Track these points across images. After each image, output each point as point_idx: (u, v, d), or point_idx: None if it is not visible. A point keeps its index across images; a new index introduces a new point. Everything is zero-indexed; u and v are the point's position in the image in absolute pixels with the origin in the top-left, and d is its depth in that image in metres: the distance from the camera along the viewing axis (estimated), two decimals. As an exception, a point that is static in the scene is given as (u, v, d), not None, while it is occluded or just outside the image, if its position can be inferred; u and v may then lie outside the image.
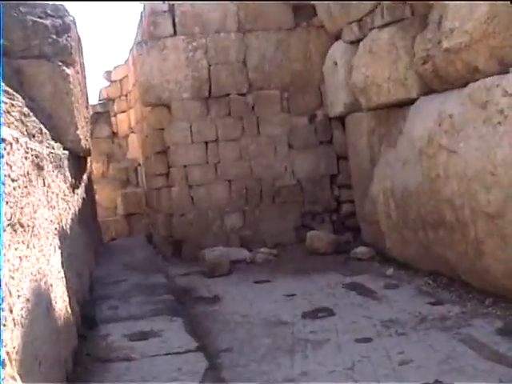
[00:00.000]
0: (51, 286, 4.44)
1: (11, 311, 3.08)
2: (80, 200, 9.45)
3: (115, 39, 44.06)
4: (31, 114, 6.80)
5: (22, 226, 3.65)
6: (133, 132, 14.75)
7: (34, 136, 6.20)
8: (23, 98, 7.58)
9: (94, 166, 15.03)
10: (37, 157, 4.76)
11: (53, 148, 6.68)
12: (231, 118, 9.63)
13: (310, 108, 9.91)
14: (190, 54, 9.48)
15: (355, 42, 8.49)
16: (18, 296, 3.28)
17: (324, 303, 6.32)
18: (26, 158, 4.12)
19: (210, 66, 9.57)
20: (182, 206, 9.50)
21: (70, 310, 5.15)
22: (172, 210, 9.55)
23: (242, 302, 6.74)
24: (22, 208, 3.70)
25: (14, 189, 3.55)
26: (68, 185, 7.15)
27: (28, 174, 4.14)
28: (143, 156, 12.19)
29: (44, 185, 4.99)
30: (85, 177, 10.83)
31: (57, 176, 6.14)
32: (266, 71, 9.74)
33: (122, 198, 14.17)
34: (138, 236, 13.33)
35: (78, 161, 9.40)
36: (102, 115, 15.94)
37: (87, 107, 11.63)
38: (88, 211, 10.62)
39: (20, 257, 3.50)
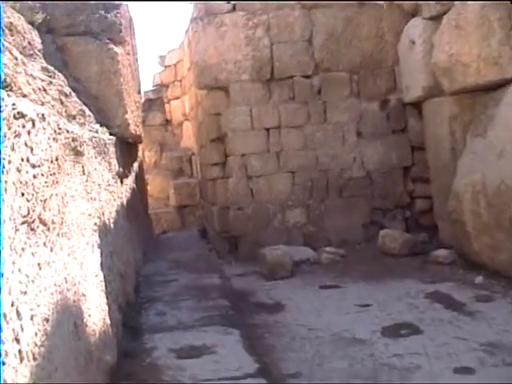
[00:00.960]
0: (83, 295, 3.64)
1: (17, 341, 2.26)
2: (129, 190, 8.75)
3: (170, 22, 43.21)
4: (73, 94, 6.06)
5: (43, 223, 2.86)
6: (187, 119, 14.12)
7: (74, 118, 5.45)
8: (66, 78, 6.91)
9: (146, 154, 14.61)
10: (74, 140, 4.08)
11: (96, 132, 5.92)
12: (295, 102, 8.72)
13: (382, 92, 8.92)
14: (250, 32, 8.60)
15: (436, 18, 7.51)
16: (32, 317, 2.48)
17: (406, 317, 5.37)
18: (55, 139, 3.30)
19: (271, 44, 8.68)
20: (240, 199, 8.64)
21: (108, 321, 4.39)
22: (228, 203, 8.70)
23: (308, 312, 5.85)
24: (44, 201, 2.90)
25: (35, 176, 2.76)
26: (113, 173, 6.39)
27: (57, 159, 3.31)
28: (198, 144, 11.42)
29: (83, 173, 4.32)
30: (135, 165, 10.13)
31: (100, 163, 5.41)
32: (334, 51, 8.78)
33: (175, 189, 13.43)
34: (191, 230, 12.58)
35: (126, 148, 8.70)
36: (155, 102, 15.33)
37: (139, 92, 10.92)
38: (138, 203, 9.90)
39: (39, 264, 2.73)
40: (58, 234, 3.12)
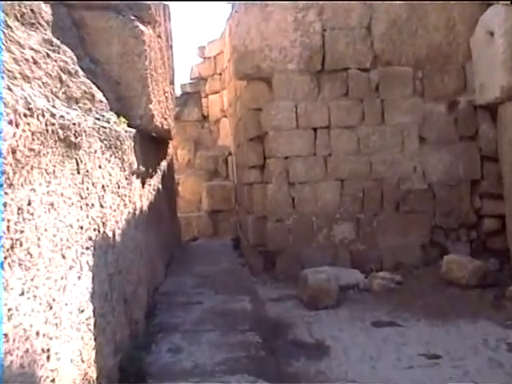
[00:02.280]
0: (45, 351, 2.49)
1: None
2: (152, 192, 7.65)
3: (212, 10, 41.88)
4: (81, 73, 4.91)
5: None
6: (225, 116, 13.15)
7: (77, 101, 4.32)
8: (81, 58, 5.87)
9: (179, 152, 13.59)
10: (64, 128, 3.20)
11: (107, 121, 4.77)
12: (348, 99, 7.49)
13: (451, 92, 7.63)
14: (300, 15, 7.41)
15: (521, 5, 6.24)
16: None
17: (488, 380, 4.10)
18: (17, 124, 2.23)
19: (324, 30, 7.47)
20: (280, 209, 7.44)
21: (93, 374, 3.23)
22: (266, 213, 7.50)
23: (359, 361, 4.63)
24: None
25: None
26: (127, 173, 5.24)
27: (15, 152, 2.22)
28: (235, 143, 10.27)
29: (77, 172, 3.41)
30: (163, 164, 9.01)
31: (108, 160, 4.32)
32: (397, 42, 7.53)
33: (208, 192, 12.25)
34: (224, 238, 11.41)
35: (152, 143, 7.59)
36: (191, 96, 14.28)
37: (172, 82, 9.80)
38: (163, 206, 8.78)
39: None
40: (11, 264, 2.06)
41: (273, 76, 7.41)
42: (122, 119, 5.66)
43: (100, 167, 4.05)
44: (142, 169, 6.49)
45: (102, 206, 3.96)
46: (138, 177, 6.33)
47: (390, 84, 7.50)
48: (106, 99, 5.42)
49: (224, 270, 8.13)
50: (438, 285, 6.62)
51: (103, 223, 3.97)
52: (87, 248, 3.47)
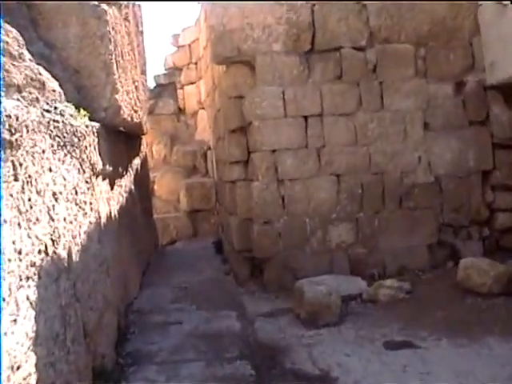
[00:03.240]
0: None
1: None
2: (124, 194, 6.75)
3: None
4: (27, 57, 4.04)
5: None
6: (202, 108, 12.41)
7: (19, 90, 3.42)
8: (32, 42, 5.08)
9: (154, 148, 12.80)
10: None
11: (61, 114, 3.88)
12: (343, 82, 6.55)
13: (457, 71, 6.75)
14: (286, -13, 6.49)
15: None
16: None
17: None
18: None
19: (313, 5, 6.53)
20: (268, 210, 6.49)
21: None
22: (252, 214, 6.58)
23: (377, 399, 3.75)
24: None
25: None
26: (88, 175, 4.33)
27: None
28: (214, 137, 9.36)
29: (14, 177, 2.68)
30: (135, 162, 8.10)
31: (62, 160, 3.52)
32: (395, 16, 6.62)
33: (187, 190, 11.29)
34: (205, 240, 10.49)
35: (121, 139, 6.69)
36: (166, 88, 13.45)
37: (143, 72, 8.88)
38: (138, 209, 7.89)
39: None
40: None
41: (255, 58, 6.45)
42: (83, 112, 4.77)
43: (50, 170, 3.25)
44: (109, 168, 5.58)
45: (51, 220, 3.11)
46: (104, 178, 5.41)
47: (388, 64, 6.59)
48: (62, 89, 4.52)
49: (206, 280, 7.26)
50: (453, 293, 5.72)
51: (53, 241, 3.12)
52: (28, 278, 2.62)
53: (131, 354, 4.62)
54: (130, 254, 6.63)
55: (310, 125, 6.48)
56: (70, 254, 3.41)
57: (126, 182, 7.14)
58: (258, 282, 6.70)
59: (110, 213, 5.54)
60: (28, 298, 2.56)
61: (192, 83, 12.95)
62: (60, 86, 4.42)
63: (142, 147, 9.14)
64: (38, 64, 4.07)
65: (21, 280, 2.51)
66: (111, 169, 5.69)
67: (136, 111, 6.89)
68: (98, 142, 4.89)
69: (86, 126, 4.52)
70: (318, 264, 6.44)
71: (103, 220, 4.92)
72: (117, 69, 5.70)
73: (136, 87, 7.20)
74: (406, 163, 6.61)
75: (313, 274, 6.08)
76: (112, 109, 5.56)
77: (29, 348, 2.50)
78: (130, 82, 6.56)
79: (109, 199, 5.58)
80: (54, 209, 3.16)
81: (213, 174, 10.76)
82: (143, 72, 8.90)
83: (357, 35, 6.56)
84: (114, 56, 5.60)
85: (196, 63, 12.76)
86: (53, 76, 4.40)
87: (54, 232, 3.12)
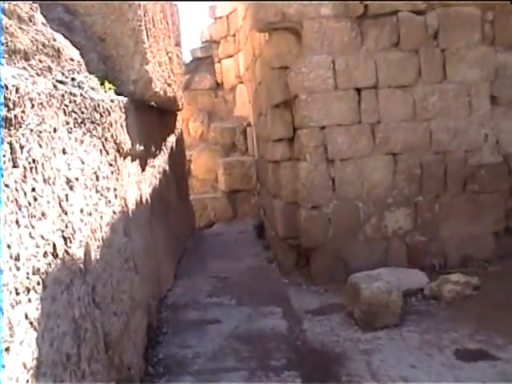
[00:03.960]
0: None
1: None
2: (157, 176, 6.18)
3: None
4: (38, 20, 3.45)
5: None
6: (241, 82, 11.74)
7: (27, 57, 2.83)
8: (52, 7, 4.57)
9: (191, 125, 12.26)
10: None
11: (79, 87, 3.28)
12: (400, 50, 5.83)
13: (529, 37, 5.98)
14: None
15: None
16: None
17: None
18: None
19: (367, -37, 5.81)
20: (316, 193, 5.84)
21: None
22: (298, 198, 5.95)
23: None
24: None
25: None
26: (112, 157, 3.73)
27: None
28: (255, 112, 8.73)
29: (12, 163, 2.12)
30: (169, 140, 7.52)
31: (80, 141, 3.09)
32: (459, -26, 5.87)
33: (225, 169, 10.66)
34: (244, 222, 9.89)
35: (154, 116, 6.12)
36: (203, 62, 12.89)
37: (178, 44, 8.25)
38: (173, 191, 7.33)
39: None
40: None
41: (302, 24, 5.76)
42: (108, 85, 4.19)
43: (64, 152, 2.68)
44: (139, 148, 5.01)
45: (64, 213, 2.55)
46: (133, 159, 4.83)
47: (452, 30, 5.82)
48: (85, 59, 3.94)
49: (246, 268, 6.67)
50: (528, 289, 5.05)
51: (66, 239, 2.61)
52: (28, 290, 2.05)
53: (163, 361, 4.06)
54: (164, 243, 6.07)
55: (364, 98, 5.79)
56: (87, 253, 2.84)
57: (160, 162, 6.57)
58: (305, 272, 6.10)
59: (141, 198, 4.98)
60: (27, 317, 2.00)
61: (230, 56, 12.35)
62: (81, 55, 3.84)
63: (177, 124, 8.56)
64: (55, 31, 3.49)
65: (17, 294, 1.95)
66: (142, 148, 5.13)
67: (170, 85, 6.29)
68: (126, 118, 4.32)
69: (112, 101, 3.94)
70: (371, 253, 5.80)
71: (132, 207, 4.35)
72: (147, 37, 5.10)
73: (170, 59, 6.60)
74: (470, 141, 5.88)
75: (366, 265, 5.47)
76: (142, 81, 4.97)
77: (28, 382, 1.94)
78: (162, 52, 5.96)
79: (139, 182, 5.02)
80: (67, 199, 2.60)
81: (253, 152, 10.14)
82: (178, 44, 8.28)
83: (416, -3, 5.81)
84: (143, 22, 5.00)
85: (234, 35, 12.15)
86: (74, 45, 3.83)
87: (66, 228, 2.55)
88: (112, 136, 3.75)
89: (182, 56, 8.83)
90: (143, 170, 5.38)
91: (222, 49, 12.60)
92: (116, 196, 3.67)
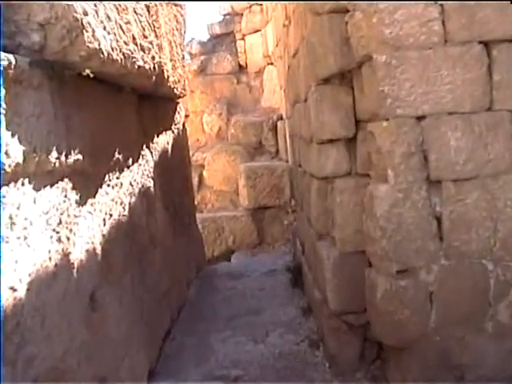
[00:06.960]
0: None
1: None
2: (126, 201, 3.63)
3: None
4: None
5: None
6: (271, 63, 9.78)
7: None
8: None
9: (206, 119, 10.33)
10: None
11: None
12: None
13: None
14: None
15: None
16: None
17: None
18: None
19: None
20: (408, 244, 3.06)
21: None
22: (371, 251, 3.25)
23: None
24: None
25: None
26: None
27: None
28: (289, 100, 6.29)
29: None
30: (160, 142, 5.05)
31: None
32: None
33: (248, 178, 8.15)
34: (275, 252, 7.31)
35: (119, 101, 3.55)
36: (222, 39, 11.37)
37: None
38: (159, 221, 4.77)
39: None
40: None
41: None
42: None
43: None
44: (71, 159, 2.50)
45: None
46: (46, 182, 2.31)
47: None
48: None
49: (274, 357, 4.03)
50: None
51: None
52: None
53: None
54: (129, 323, 3.46)
55: (497, 60, 3.05)
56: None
57: (135, 177, 4.01)
58: (378, 373, 3.44)
59: (68, 257, 2.47)
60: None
61: (256, 31, 10.45)
62: None
63: (175, 117, 5.99)
64: None
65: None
66: (77, 158, 2.63)
67: (151, 53, 3.74)
68: (14, 98, 1.82)
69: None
70: (509, 355, 3.08)
71: (34, 287, 1.77)
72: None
73: (149, 13, 4.03)
74: None
75: (500, 373, 2.85)
76: (60, 26, 2.44)
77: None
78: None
79: (68, 224, 2.50)
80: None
81: (286, 155, 7.67)
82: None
83: None
84: None
85: (261, 4, 10.22)
86: None
87: None
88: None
89: (185, 19, 6.29)
90: (87, 197, 2.87)
91: (245, 22, 10.79)
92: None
